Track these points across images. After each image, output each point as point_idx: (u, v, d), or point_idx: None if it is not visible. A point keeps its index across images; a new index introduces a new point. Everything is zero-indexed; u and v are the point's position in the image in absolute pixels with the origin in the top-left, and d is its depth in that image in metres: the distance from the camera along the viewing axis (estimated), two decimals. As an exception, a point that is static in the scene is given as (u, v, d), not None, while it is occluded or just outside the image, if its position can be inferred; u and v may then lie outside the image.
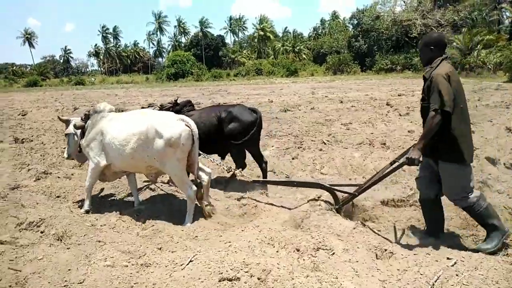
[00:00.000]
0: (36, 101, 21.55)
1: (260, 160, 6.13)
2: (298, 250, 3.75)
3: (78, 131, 5.11)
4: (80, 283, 3.39)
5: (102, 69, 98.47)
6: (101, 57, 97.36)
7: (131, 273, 3.52)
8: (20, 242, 4.10)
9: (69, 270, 3.58)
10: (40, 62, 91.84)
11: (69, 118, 5.31)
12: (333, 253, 3.64)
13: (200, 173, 4.80)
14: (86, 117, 5.04)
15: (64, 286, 3.35)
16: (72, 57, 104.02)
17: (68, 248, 4.00)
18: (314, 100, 17.13)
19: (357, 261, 3.51)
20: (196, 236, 4.44)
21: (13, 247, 3.99)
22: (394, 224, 4.61)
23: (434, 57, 3.73)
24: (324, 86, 25.17)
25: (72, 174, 6.76)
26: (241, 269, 3.35)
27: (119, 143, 4.46)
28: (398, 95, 17.92)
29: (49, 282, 3.38)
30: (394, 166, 4.10)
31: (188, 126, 4.37)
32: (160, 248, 4.01)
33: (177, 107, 6.10)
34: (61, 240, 4.19)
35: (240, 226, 4.54)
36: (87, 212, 4.94)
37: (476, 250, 3.56)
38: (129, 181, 5.24)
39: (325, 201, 4.82)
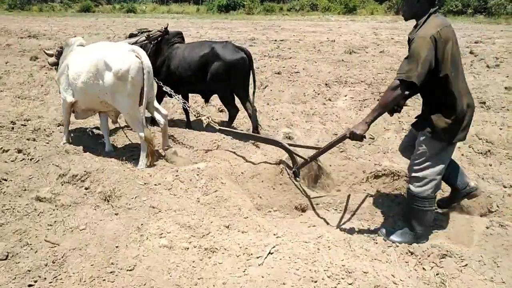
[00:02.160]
0: (88, 27, 20.87)
1: (247, 106, 5.26)
2: (412, 254, 2.76)
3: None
4: (130, 270, 2.61)
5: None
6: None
7: (193, 262, 2.70)
8: (61, 201, 3.37)
9: (117, 247, 2.81)
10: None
11: (53, 52, 4.92)
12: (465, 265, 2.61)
13: (156, 114, 4.42)
14: (59, 54, 4.76)
15: (111, 272, 2.58)
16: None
17: (116, 214, 3.23)
18: (380, 42, 15.25)
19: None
20: (270, 211, 3.54)
21: (53, 207, 3.27)
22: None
23: (421, 10, 2.89)
24: (386, 27, 22.63)
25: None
26: (343, 279, 2.42)
27: (73, 78, 4.24)
28: (475, 43, 15.65)
29: (91, 265, 2.62)
30: (339, 136, 3.32)
31: (139, 58, 3.96)
32: (228, 226, 3.14)
33: (167, 36, 5.39)
34: (108, 201, 3.43)
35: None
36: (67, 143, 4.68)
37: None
38: (100, 122, 4.86)
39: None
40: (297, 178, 3.91)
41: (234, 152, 4.50)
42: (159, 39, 5.33)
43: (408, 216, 3.13)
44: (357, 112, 6.16)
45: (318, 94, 7.11)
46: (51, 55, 4.88)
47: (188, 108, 5.01)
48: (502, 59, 10.67)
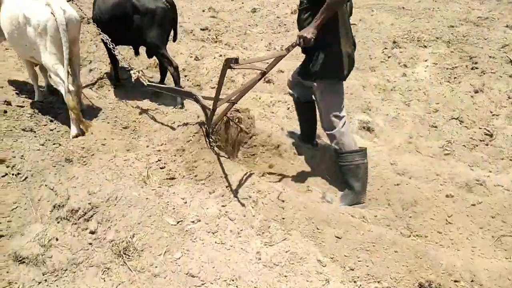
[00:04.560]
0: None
1: (164, 60, 4.53)
2: None
3: None
4: None
5: None
6: None
7: None
8: (53, 261, 2.13)
9: None
10: None
11: None
12: None
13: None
14: None
15: None
16: None
17: (135, 291, 1.96)
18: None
19: None
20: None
21: (39, 275, 2.03)
22: None
23: None
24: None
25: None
26: None
27: (4, 30, 3.81)
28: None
29: None
30: (283, 53, 2.71)
31: (53, 14, 3.47)
32: None
33: None
34: (123, 258, 2.16)
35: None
36: (39, 102, 4.09)
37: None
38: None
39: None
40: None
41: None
42: None
43: (343, 175, 2.91)
44: (451, 88, 4.49)
45: (389, 57, 5.42)
46: None
47: (120, 58, 4.15)
48: None
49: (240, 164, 3.09)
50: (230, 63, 2.43)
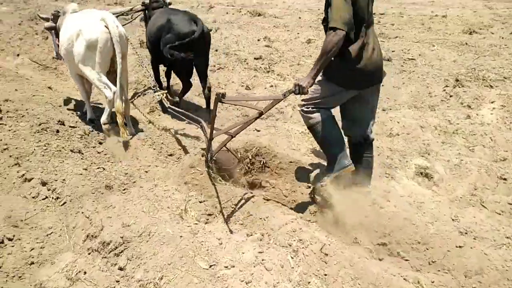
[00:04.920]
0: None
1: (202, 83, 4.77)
2: None
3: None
4: None
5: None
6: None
7: None
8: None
9: None
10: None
11: (48, 16, 4.63)
12: None
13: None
14: (55, 17, 4.51)
15: None
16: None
17: None
18: (500, 18, 12.07)
19: None
20: None
21: None
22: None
23: None
24: (501, -1, 18.63)
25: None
26: None
27: (61, 46, 4.07)
28: None
29: None
30: (280, 98, 2.76)
31: (107, 28, 3.72)
32: None
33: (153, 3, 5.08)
34: None
35: None
36: (90, 121, 4.29)
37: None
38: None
39: None
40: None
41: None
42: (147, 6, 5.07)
43: (321, 147, 2.99)
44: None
45: (451, 96, 5.02)
46: (46, 19, 4.62)
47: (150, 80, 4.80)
48: None
49: (281, 207, 2.88)
50: (219, 97, 2.61)
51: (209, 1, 13.39)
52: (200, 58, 4.58)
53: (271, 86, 5.57)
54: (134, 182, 3.11)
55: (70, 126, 3.96)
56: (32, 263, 2.22)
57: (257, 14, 11.48)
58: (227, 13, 11.80)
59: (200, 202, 2.98)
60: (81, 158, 3.39)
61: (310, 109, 2.85)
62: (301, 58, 7.44)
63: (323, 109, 2.84)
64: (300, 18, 10.57)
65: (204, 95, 4.76)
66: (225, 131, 2.96)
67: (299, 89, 2.58)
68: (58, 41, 4.30)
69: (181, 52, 4.26)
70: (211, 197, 3.01)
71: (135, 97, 5.33)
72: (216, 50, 7.55)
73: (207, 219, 2.86)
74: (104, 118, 3.86)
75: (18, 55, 6.74)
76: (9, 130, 3.58)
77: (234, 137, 2.99)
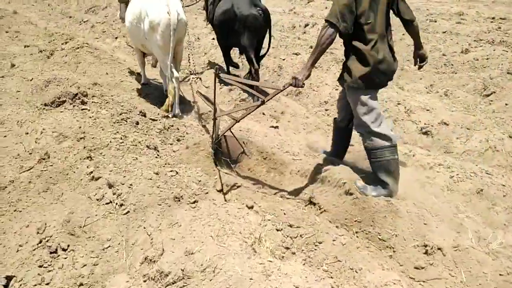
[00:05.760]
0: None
1: (250, 65, 5.10)
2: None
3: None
4: None
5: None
6: None
7: None
8: None
9: None
10: None
11: None
12: None
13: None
14: None
15: None
16: None
17: None
18: None
19: None
20: None
21: None
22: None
23: None
24: None
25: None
26: None
27: (127, 20, 4.41)
28: None
29: None
30: (279, 89, 2.85)
31: (169, 14, 3.91)
32: None
33: None
34: None
35: None
36: (143, 85, 4.89)
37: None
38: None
39: None
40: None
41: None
42: None
43: (375, 171, 2.85)
44: None
45: None
46: None
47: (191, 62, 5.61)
48: None
49: (379, 255, 2.25)
50: (217, 72, 3.02)
51: (308, -6, 12.75)
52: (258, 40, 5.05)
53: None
54: (207, 193, 2.70)
55: (151, 119, 3.70)
56: (81, 284, 1.90)
57: (357, 10, 10.55)
58: (326, 7, 11.08)
59: (278, 230, 2.48)
60: (156, 157, 3.08)
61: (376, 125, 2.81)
62: (405, 63, 6.53)
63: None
64: (405, 17, 9.43)
65: (252, 76, 5.04)
66: (228, 112, 3.29)
67: (295, 82, 2.66)
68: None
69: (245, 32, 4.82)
70: (291, 226, 2.49)
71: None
72: (311, 47, 6.97)
73: (283, 254, 2.35)
74: (176, 111, 4.14)
75: (116, 38, 6.83)
76: (90, 117, 3.41)
77: (238, 122, 3.14)
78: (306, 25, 9.19)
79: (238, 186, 2.89)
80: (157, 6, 3.98)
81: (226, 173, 3.09)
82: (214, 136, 3.28)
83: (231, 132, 3.30)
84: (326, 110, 4.85)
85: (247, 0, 4.92)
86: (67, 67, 5.01)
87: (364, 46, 2.67)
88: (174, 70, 4.11)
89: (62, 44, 5.84)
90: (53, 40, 6.09)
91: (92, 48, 5.87)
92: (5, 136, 3.28)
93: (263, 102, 2.86)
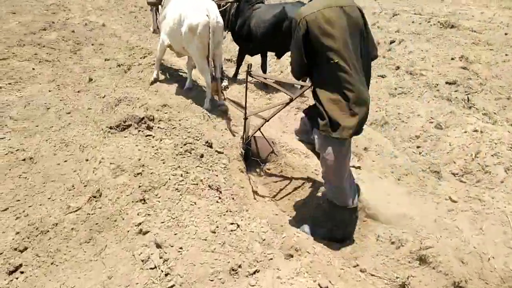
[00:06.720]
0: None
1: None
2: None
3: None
4: None
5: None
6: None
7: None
8: None
9: None
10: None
11: None
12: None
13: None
14: None
15: None
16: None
17: None
18: None
19: None
20: None
21: None
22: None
23: None
24: None
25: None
26: None
27: (168, 24, 4.49)
28: None
29: None
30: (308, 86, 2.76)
31: (208, 17, 4.01)
32: None
33: None
34: None
35: None
36: (155, 80, 4.89)
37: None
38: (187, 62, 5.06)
39: None
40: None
41: None
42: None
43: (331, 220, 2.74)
44: None
45: None
46: None
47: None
48: None
49: None
50: (249, 70, 3.07)
51: (393, 7, 11.73)
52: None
53: (475, 130, 3.96)
54: (271, 259, 2.16)
55: (217, 151, 3.27)
56: None
57: (449, 25, 9.30)
58: (412, 22, 9.99)
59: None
60: (217, 201, 2.62)
61: None
62: (513, 90, 5.43)
63: None
64: (506, 34, 8.06)
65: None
66: (257, 112, 3.33)
67: None
68: (158, 16, 4.95)
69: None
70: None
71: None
72: (398, 68, 6.13)
73: None
74: (206, 106, 4.30)
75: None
76: (153, 147, 3.07)
77: (268, 121, 3.18)
78: (392, 42, 8.29)
79: (309, 253, 2.30)
80: (197, 9, 4.13)
81: (296, 233, 2.51)
82: (244, 136, 3.41)
83: (260, 132, 3.36)
84: (418, 147, 4.06)
85: (300, 4, 5.12)
86: (141, 84, 4.83)
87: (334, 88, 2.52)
88: (214, 71, 4.31)
89: (140, 58, 5.74)
90: (133, 53, 6.03)
91: (168, 64, 5.70)
92: (65, 161, 3.07)
93: (291, 100, 2.89)
